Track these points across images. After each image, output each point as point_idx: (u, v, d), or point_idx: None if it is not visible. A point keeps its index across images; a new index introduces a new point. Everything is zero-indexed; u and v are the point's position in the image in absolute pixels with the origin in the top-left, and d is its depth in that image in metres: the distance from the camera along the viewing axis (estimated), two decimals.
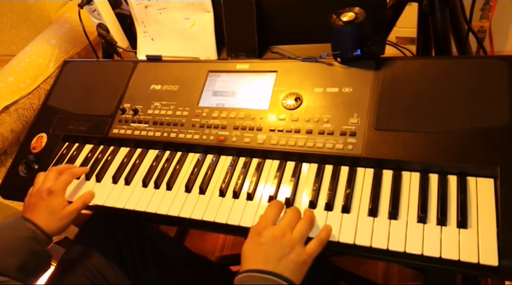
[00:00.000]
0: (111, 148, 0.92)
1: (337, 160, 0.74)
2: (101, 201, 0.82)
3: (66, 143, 0.97)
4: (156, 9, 0.97)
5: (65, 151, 0.95)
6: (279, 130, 0.79)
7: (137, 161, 0.87)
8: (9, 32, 1.70)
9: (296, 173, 0.75)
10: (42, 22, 1.61)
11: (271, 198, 0.73)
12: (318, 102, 0.79)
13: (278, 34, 0.91)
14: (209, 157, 0.83)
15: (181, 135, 0.85)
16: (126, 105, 0.93)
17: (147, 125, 0.89)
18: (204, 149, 0.84)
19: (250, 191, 0.75)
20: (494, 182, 0.64)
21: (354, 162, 0.73)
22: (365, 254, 0.64)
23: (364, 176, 0.72)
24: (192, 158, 0.84)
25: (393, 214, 0.65)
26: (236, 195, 0.75)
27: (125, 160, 0.88)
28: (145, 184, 0.83)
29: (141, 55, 1.03)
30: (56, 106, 1.01)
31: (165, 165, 0.84)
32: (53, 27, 1.51)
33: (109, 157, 0.89)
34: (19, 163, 0.95)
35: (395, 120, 0.72)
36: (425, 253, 0.60)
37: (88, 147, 0.94)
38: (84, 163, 0.90)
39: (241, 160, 0.81)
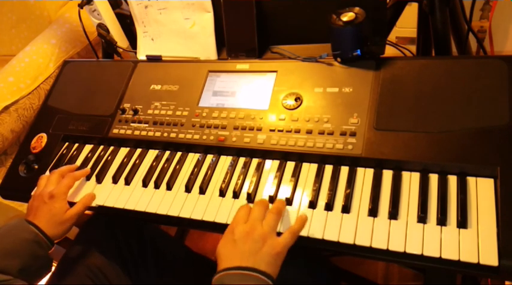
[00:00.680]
0: (111, 148, 0.92)
1: (337, 160, 0.74)
2: (101, 201, 0.82)
3: (66, 144, 0.97)
4: (156, 9, 0.97)
5: (65, 151, 0.95)
6: (279, 130, 0.79)
7: (137, 161, 0.87)
8: (9, 32, 1.70)
9: (296, 173, 0.75)
10: (42, 22, 1.61)
11: (271, 198, 0.73)
12: (318, 102, 0.79)
13: (278, 34, 0.91)
14: (209, 157, 0.83)
15: (181, 135, 0.85)
16: (126, 105, 0.93)
17: (147, 125, 0.89)
18: (204, 149, 0.84)
19: (250, 191, 0.75)
20: (494, 182, 0.64)
21: (354, 162, 0.73)
22: (365, 254, 0.64)
23: (364, 176, 0.72)
24: (192, 158, 0.84)
25: (393, 214, 0.65)
26: (236, 195, 0.75)
27: (125, 160, 0.88)
28: (145, 184, 0.83)
29: (141, 55, 1.03)
30: (56, 106, 1.01)
31: (165, 165, 0.84)
32: (53, 27, 1.51)
33: (109, 157, 0.89)
34: (19, 163, 0.95)
35: (395, 120, 0.72)
36: (425, 253, 0.60)
37: (88, 147, 0.94)
38: (84, 163, 0.90)
39: (241, 160, 0.81)
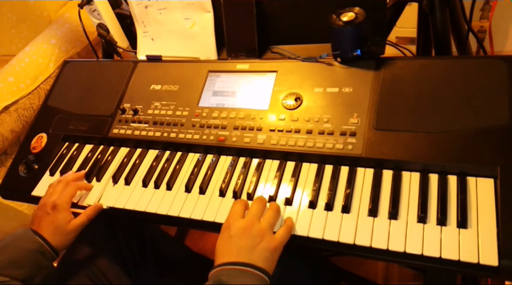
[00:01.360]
0: (111, 148, 0.92)
1: (337, 160, 0.74)
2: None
3: (66, 144, 0.97)
4: (156, 9, 0.97)
5: (65, 151, 0.95)
6: (279, 130, 0.79)
7: (137, 161, 0.87)
8: (9, 32, 1.70)
9: (296, 173, 0.75)
10: (42, 22, 1.61)
11: (271, 198, 0.73)
12: (318, 102, 0.79)
13: (278, 34, 0.91)
14: (209, 157, 0.83)
15: (181, 135, 0.85)
16: (126, 105, 0.93)
17: (147, 125, 0.89)
18: (204, 149, 0.84)
19: (250, 191, 0.75)
20: (494, 182, 0.64)
21: (354, 162, 0.73)
22: (365, 254, 0.64)
23: (364, 176, 0.72)
24: (192, 158, 0.84)
25: (393, 214, 0.65)
26: (236, 195, 0.75)
27: (125, 160, 0.88)
28: (145, 184, 0.83)
29: (141, 55, 1.03)
30: (56, 106, 1.01)
31: (165, 165, 0.84)
32: (53, 27, 1.51)
33: (109, 157, 0.89)
34: (19, 163, 0.95)
35: (395, 120, 0.72)
36: (425, 253, 0.60)
37: (88, 147, 0.94)
38: (84, 163, 0.90)
39: (241, 160, 0.81)
